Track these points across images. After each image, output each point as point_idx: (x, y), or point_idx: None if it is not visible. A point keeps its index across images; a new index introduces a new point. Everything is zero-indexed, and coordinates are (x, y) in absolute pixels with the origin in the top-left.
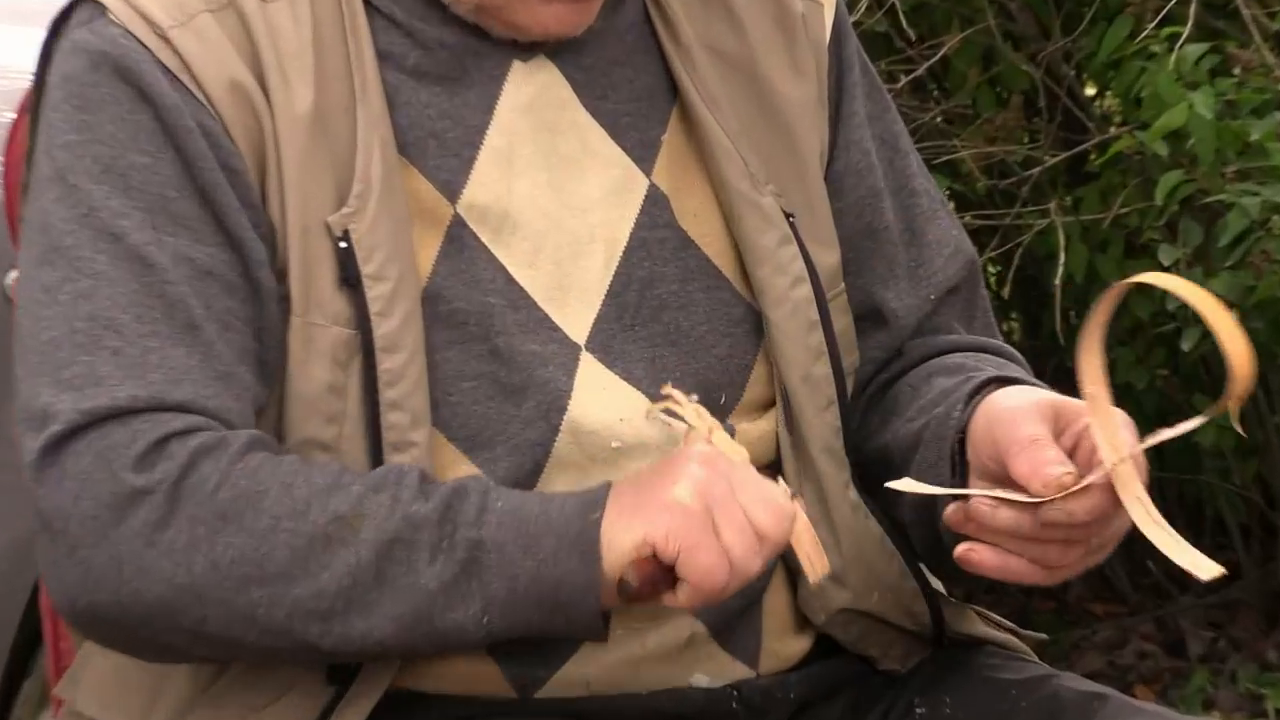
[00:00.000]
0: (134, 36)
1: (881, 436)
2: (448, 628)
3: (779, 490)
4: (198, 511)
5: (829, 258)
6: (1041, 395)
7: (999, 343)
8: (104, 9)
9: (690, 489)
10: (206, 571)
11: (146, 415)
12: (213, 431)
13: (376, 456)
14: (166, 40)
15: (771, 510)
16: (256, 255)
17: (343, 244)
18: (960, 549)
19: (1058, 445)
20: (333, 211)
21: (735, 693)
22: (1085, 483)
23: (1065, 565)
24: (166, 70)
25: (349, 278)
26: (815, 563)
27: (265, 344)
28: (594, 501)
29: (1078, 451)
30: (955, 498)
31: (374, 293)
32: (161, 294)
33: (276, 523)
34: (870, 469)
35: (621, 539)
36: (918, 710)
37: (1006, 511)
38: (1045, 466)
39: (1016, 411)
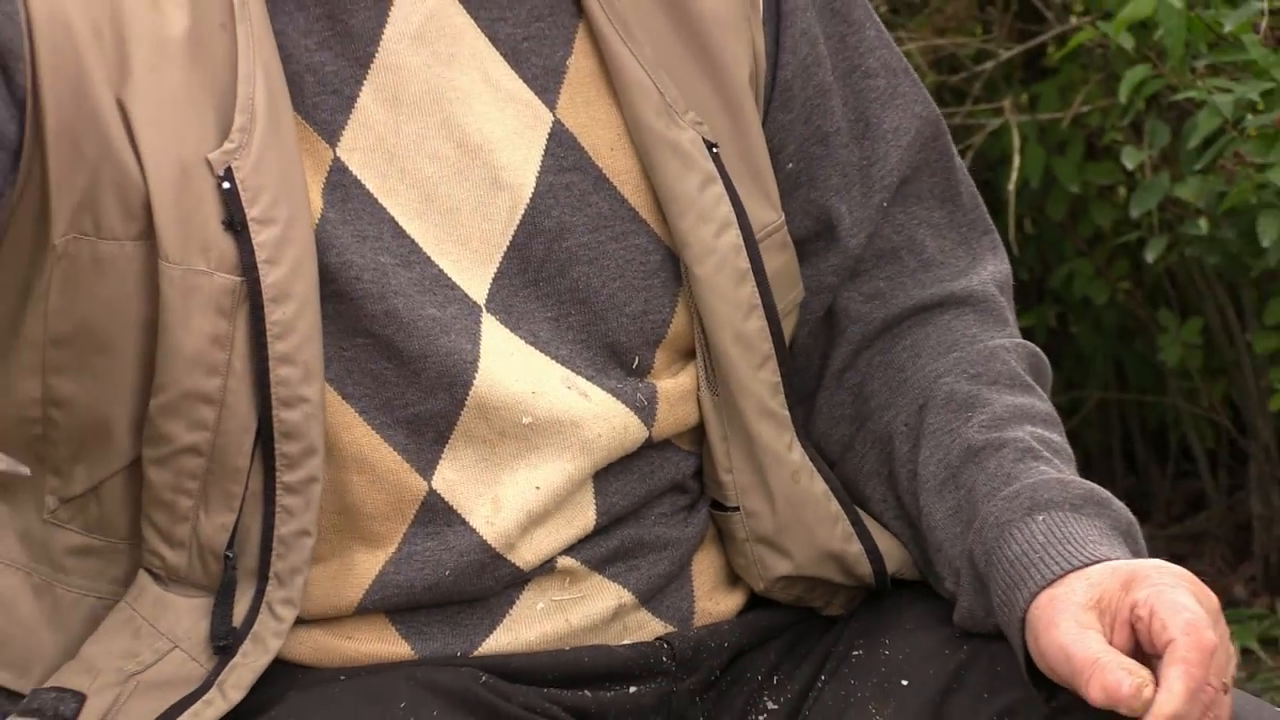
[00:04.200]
0: None
1: (882, 418)
2: None
3: None
4: None
5: (765, 212)
6: (1078, 595)
7: (1005, 364)
8: None
9: None
10: None
11: None
12: None
13: (265, 412)
14: None
15: None
16: None
17: (225, 185)
18: None
19: (1113, 645)
20: (214, 146)
21: (666, 645)
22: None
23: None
24: None
25: (233, 222)
26: None
27: None
28: None
29: (1139, 631)
30: None
31: (260, 238)
32: None
33: None
34: (837, 426)
35: None
36: (854, 654)
37: None
38: (1118, 689)
39: (1064, 635)
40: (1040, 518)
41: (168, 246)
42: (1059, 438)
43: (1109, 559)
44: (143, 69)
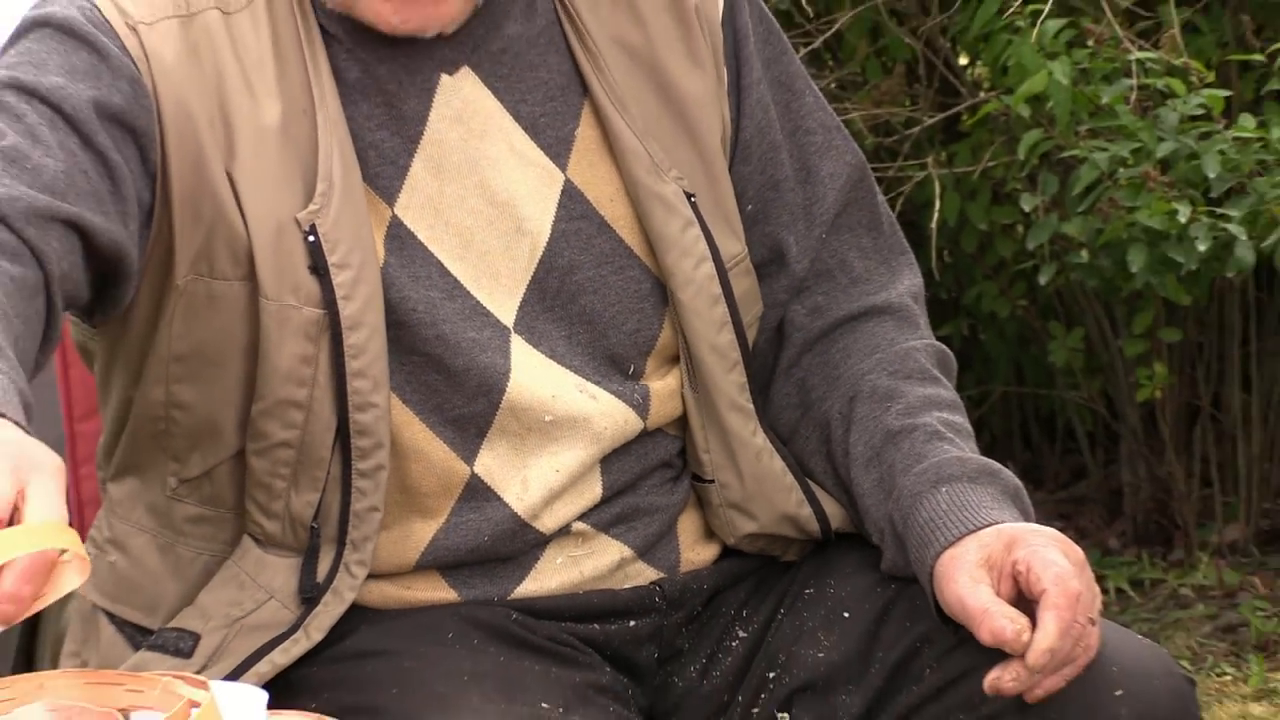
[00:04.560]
0: (107, 22)
1: (821, 407)
2: None
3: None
4: None
5: (733, 246)
6: (971, 554)
7: (917, 362)
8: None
9: None
10: None
11: None
12: None
13: (343, 414)
14: (134, 31)
15: None
16: (121, 173)
17: (311, 238)
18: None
19: (1000, 595)
20: (301, 208)
21: (658, 588)
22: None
23: (1089, 648)
24: (125, 49)
25: (317, 267)
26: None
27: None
28: None
29: (1020, 582)
30: None
31: (339, 280)
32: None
33: None
34: (786, 411)
35: None
36: (806, 592)
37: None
38: (1002, 633)
39: (961, 588)
40: (944, 489)
41: (266, 287)
42: (961, 419)
43: (998, 522)
44: (246, 151)
